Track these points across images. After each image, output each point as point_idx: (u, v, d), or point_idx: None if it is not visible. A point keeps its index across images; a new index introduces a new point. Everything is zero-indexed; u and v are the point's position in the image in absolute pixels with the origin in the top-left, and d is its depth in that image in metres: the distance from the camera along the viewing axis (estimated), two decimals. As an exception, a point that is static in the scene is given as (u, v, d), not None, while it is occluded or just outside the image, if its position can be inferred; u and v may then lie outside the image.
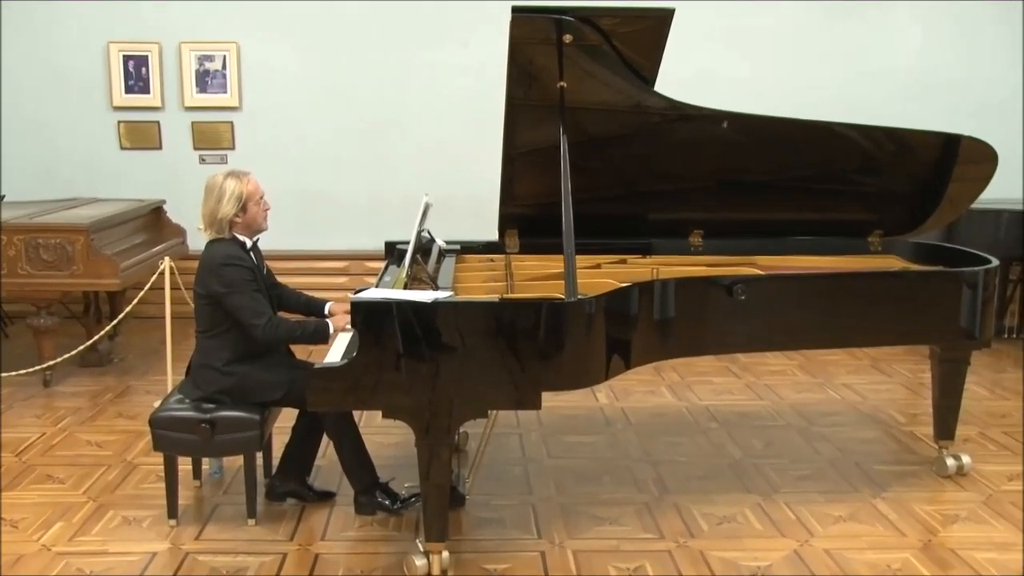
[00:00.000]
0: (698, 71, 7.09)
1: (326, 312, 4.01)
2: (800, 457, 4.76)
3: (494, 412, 3.97)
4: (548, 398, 3.43)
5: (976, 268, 4.21)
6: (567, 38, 3.73)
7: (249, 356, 3.81)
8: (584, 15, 3.70)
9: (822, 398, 5.72)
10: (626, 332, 3.63)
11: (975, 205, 4.86)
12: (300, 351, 4.25)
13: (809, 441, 4.98)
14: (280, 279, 4.23)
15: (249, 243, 3.86)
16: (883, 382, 6.07)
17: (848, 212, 4.77)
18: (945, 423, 4.49)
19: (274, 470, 4.20)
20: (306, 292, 4.24)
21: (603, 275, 4.16)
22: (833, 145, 4.53)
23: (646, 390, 5.85)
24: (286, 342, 3.87)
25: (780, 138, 4.47)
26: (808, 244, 4.78)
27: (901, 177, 4.61)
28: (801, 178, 4.63)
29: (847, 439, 4.99)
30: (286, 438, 4.14)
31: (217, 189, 3.76)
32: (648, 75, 4.08)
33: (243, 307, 3.69)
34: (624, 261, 4.58)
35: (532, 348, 3.35)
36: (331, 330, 3.78)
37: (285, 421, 4.20)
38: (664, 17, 3.79)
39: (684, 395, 5.76)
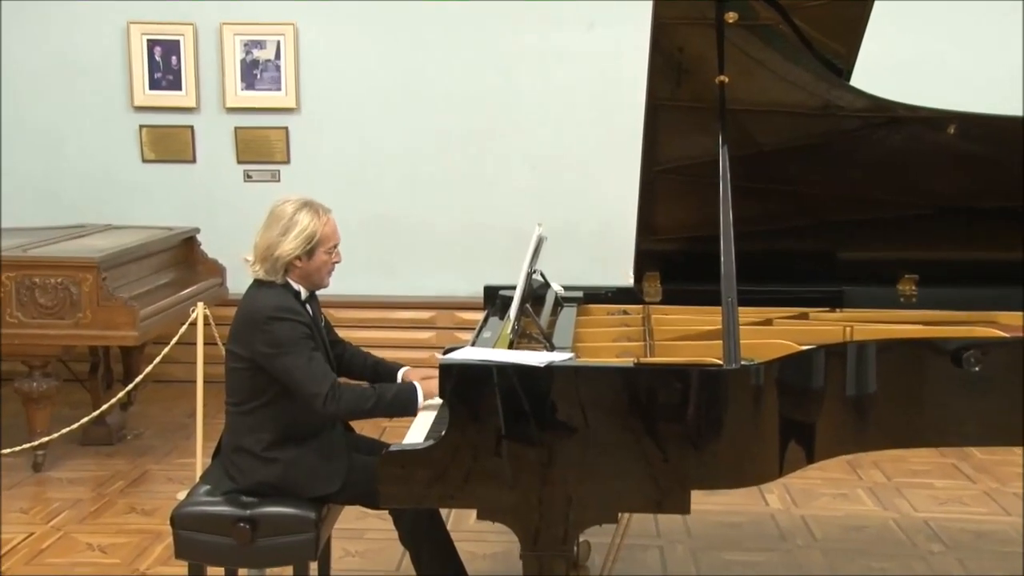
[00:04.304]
0: (901, 62, 7.04)
1: (399, 381, 4.09)
2: (1069, 599, 4.67)
3: (626, 516, 4.00)
4: (700, 499, 3.45)
5: None
6: (730, 16, 3.78)
7: (296, 438, 3.88)
8: (753, -15, 3.78)
9: (1103, 516, 5.57)
10: (807, 412, 3.64)
11: None
12: (370, 427, 4.32)
13: (1082, 576, 4.87)
14: (343, 334, 4.33)
15: (305, 293, 3.95)
16: None
17: None
18: None
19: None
20: (376, 353, 4.34)
21: (776, 334, 4.18)
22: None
23: (836, 493, 5.80)
24: (356, 415, 3.95)
25: (1034, 148, 4.42)
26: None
27: None
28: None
29: None
30: (350, 545, 4.20)
31: (286, 219, 3.84)
32: (843, 64, 4.11)
33: (298, 372, 3.76)
34: (805, 315, 4.58)
35: (678, 431, 3.38)
36: (420, 397, 3.85)
37: (348, 522, 4.25)
38: (867, -15, 3.84)
39: (892, 502, 5.69)
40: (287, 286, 3.88)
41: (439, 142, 7.79)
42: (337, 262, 3.97)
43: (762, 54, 3.98)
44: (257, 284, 3.90)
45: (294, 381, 3.75)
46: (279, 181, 7.75)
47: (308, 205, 3.87)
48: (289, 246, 3.81)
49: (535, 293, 4.40)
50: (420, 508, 3.86)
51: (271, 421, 3.85)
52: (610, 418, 3.39)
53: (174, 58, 7.76)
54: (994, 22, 7.44)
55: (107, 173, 7.87)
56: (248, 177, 7.85)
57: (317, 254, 3.86)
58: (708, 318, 4.27)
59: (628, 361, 3.56)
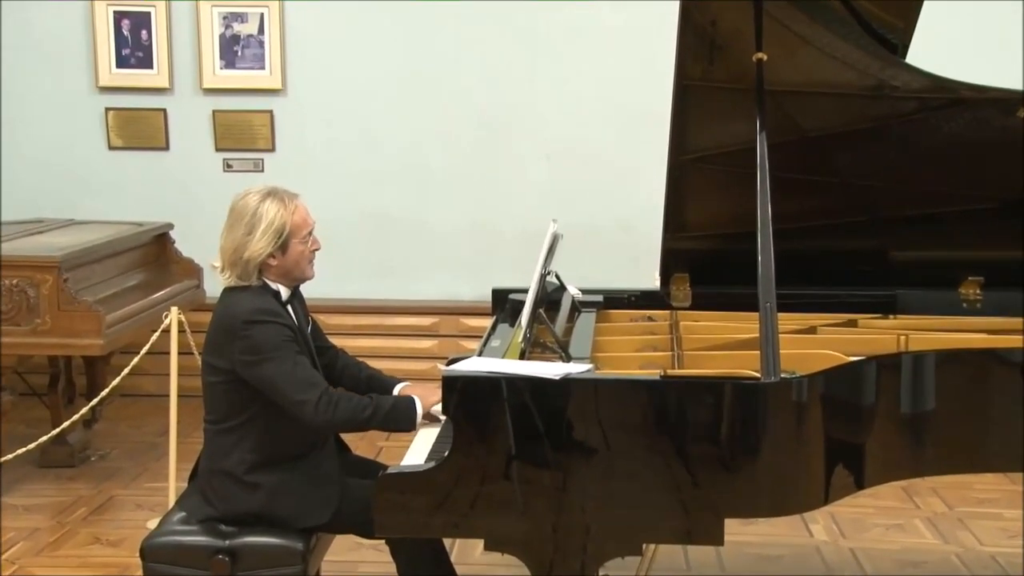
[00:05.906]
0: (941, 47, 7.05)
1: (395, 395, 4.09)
2: None
3: (652, 548, 4.01)
4: (735, 529, 3.46)
5: None
6: (770, -14, 3.83)
7: (283, 460, 3.87)
8: (797, -51, 3.80)
9: None
10: (856, 432, 3.65)
11: None
12: (365, 447, 4.32)
13: None
14: (335, 343, 4.34)
15: (286, 293, 3.96)
16: None
17: None
18: None
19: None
20: (372, 363, 4.35)
21: (820, 343, 4.18)
22: None
23: (890, 523, 5.80)
24: (352, 426, 3.93)
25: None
26: None
27: None
28: None
29: None
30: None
31: (249, 215, 3.83)
32: (898, 40, 4.12)
33: (282, 379, 3.75)
34: (854, 323, 4.60)
35: (710, 452, 3.41)
36: (419, 412, 3.85)
37: (340, 554, 4.26)
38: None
39: (954, 535, 5.69)
40: (265, 287, 3.87)
41: (443, 129, 7.78)
42: (316, 249, 3.96)
43: (806, 28, 3.99)
44: (230, 289, 3.89)
45: (278, 390, 3.74)
46: (262, 171, 7.76)
47: (272, 194, 3.85)
48: (259, 245, 3.79)
49: (550, 297, 4.42)
50: (421, 538, 3.87)
51: (254, 440, 3.84)
52: (634, 438, 3.41)
53: (144, 33, 7.76)
54: (995, 21, 7.44)
55: (69, 162, 7.88)
56: (228, 166, 7.86)
57: (291, 246, 3.85)
58: (743, 325, 4.29)
59: (654, 373, 3.57)
